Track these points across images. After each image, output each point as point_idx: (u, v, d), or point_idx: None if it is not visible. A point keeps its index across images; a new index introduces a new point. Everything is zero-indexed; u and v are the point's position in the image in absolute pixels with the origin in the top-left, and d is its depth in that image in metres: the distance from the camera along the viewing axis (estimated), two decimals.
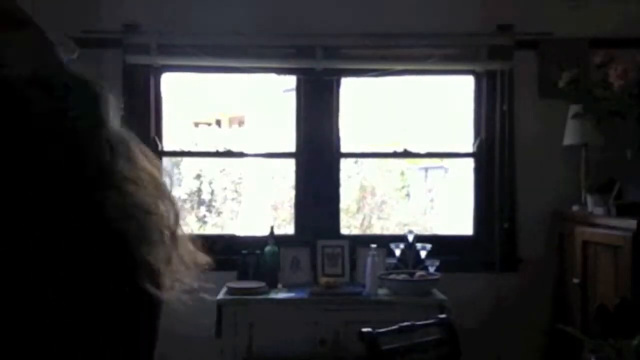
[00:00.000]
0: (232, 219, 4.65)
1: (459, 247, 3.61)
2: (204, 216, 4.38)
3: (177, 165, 4.45)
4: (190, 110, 4.70)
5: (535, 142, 3.51)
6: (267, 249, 3.32)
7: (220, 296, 3.08)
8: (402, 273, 3.31)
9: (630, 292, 2.55)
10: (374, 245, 3.27)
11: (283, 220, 4.22)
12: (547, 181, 3.50)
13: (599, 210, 2.98)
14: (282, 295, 3.18)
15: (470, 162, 3.70)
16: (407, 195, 4.96)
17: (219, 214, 4.61)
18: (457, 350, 2.06)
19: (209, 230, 4.38)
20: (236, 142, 4.38)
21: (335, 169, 3.66)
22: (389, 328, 2.03)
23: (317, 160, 3.60)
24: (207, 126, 5.08)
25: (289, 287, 3.27)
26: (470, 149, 3.67)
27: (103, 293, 0.64)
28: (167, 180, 0.76)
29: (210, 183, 4.58)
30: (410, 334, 2.04)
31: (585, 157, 3.29)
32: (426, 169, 5.02)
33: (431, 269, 3.32)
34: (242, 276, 3.29)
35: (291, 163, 3.72)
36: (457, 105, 3.92)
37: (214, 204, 4.55)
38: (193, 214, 4.47)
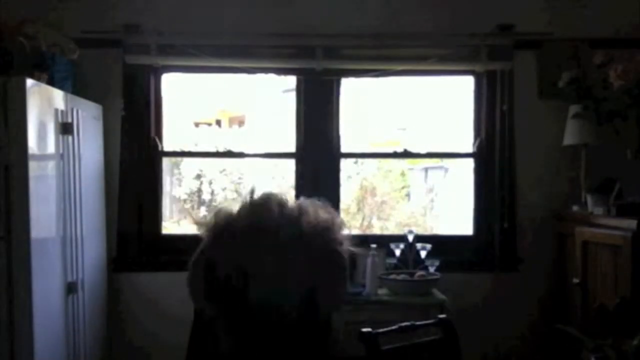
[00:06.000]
0: None
1: (459, 247, 3.61)
2: (204, 216, 4.38)
3: (177, 165, 4.45)
4: (190, 110, 4.69)
5: (535, 142, 3.51)
6: None
7: None
8: (402, 273, 3.31)
9: (630, 292, 2.55)
10: (374, 245, 3.27)
11: None
12: (547, 181, 3.50)
13: (599, 210, 2.97)
14: None
15: (470, 162, 3.69)
16: (407, 195, 4.96)
17: None
18: (457, 350, 2.06)
19: None
20: (236, 142, 4.38)
21: (335, 169, 3.65)
22: (389, 328, 2.02)
23: (317, 160, 3.60)
24: (207, 126, 5.07)
25: None
26: (470, 149, 3.67)
27: None
28: None
29: (210, 183, 4.57)
30: (410, 334, 2.04)
31: (585, 157, 3.29)
32: (426, 169, 5.01)
33: (431, 269, 3.32)
34: None
35: (291, 163, 3.72)
36: (457, 105, 3.92)
37: (214, 204, 4.55)
38: (193, 214, 4.47)
